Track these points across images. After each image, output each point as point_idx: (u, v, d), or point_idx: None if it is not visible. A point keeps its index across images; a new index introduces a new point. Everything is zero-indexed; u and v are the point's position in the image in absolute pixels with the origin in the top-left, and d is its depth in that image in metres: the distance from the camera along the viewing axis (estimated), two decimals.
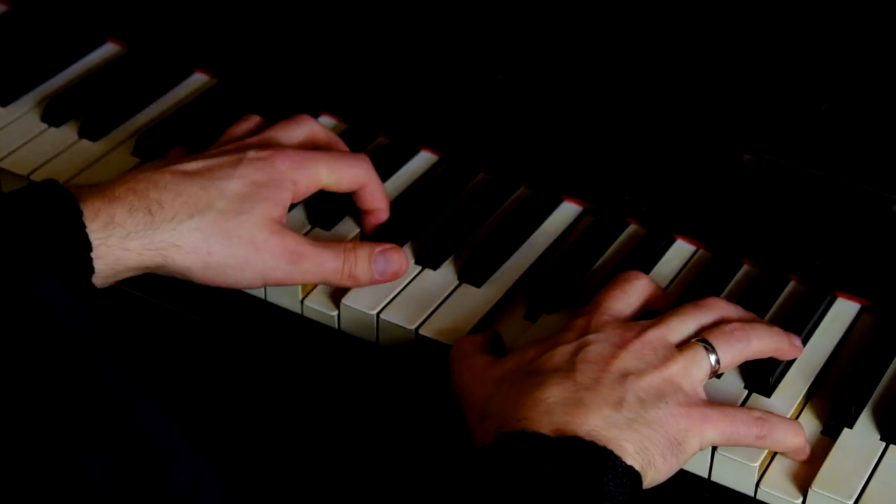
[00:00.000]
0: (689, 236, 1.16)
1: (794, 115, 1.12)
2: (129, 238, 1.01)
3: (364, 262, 1.08)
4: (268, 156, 1.08)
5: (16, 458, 0.81)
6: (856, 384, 1.02)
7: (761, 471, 0.98)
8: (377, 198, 1.14)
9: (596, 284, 1.10)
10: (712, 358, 0.98)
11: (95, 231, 0.99)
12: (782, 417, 0.98)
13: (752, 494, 0.98)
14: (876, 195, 1.09)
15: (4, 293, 0.90)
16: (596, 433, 0.90)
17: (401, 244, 1.13)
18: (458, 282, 1.12)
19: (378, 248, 1.09)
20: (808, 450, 0.99)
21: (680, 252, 1.15)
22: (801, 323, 1.07)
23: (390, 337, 1.09)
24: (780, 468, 0.98)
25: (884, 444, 0.99)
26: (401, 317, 1.08)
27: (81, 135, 1.26)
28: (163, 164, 1.06)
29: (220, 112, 1.28)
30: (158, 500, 0.81)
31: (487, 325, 1.09)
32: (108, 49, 1.37)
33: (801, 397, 1.03)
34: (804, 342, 1.06)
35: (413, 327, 1.08)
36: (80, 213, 0.99)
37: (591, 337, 0.98)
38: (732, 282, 1.12)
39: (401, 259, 1.10)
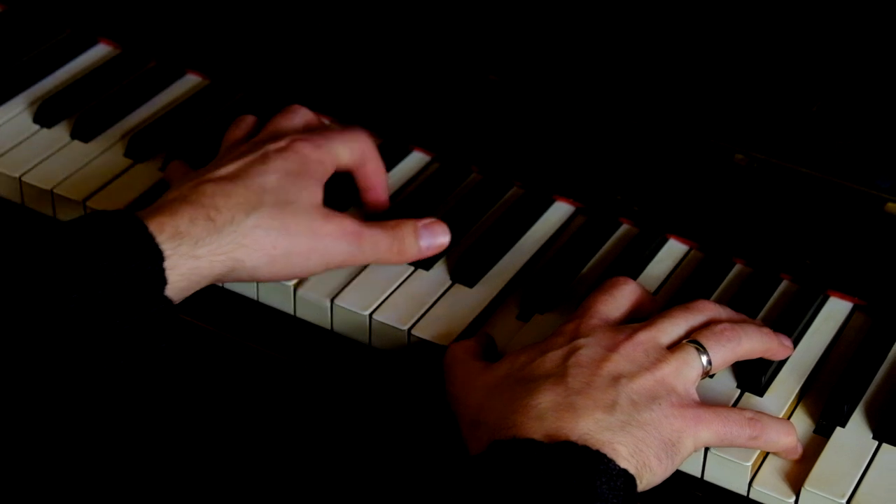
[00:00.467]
0: (682, 236, 1.16)
1: (786, 114, 1.12)
2: (198, 245, 1.01)
3: (411, 238, 1.10)
4: (287, 145, 1.10)
5: None
6: (848, 383, 1.02)
7: (754, 470, 0.98)
8: (378, 172, 1.16)
9: (588, 284, 1.11)
10: (704, 359, 0.98)
11: (164, 242, 1.00)
12: (774, 417, 0.98)
13: (745, 494, 0.98)
14: (868, 194, 1.09)
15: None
16: (589, 437, 0.90)
17: None
18: (450, 282, 1.12)
19: (421, 223, 1.11)
20: (800, 449, 0.99)
21: (672, 251, 1.15)
22: (793, 322, 1.07)
23: (383, 337, 1.09)
24: (772, 467, 0.98)
25: (876, 442, 0.99)
26: (393, 317, 1.08)
27: (74, 136, 1.26)
28: (193, 176, 1.08)
29: (213, 113, 1.28)
30: None
31: (480, 325, 1.09)
32: (100, 50, 1.37)
33: (793, 396, 1.03)
34: (796, 341, 1.06)
35: (406, 328, 1.08)
36: (145, 227, 1.00)
37: (582, 341, 0.97)
38: (725, 281, 1.12)
39: (444, 230, 1.12)
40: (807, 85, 1.13)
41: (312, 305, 1.10)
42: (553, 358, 0.96)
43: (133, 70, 1.34)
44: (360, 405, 1.09)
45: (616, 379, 0.94)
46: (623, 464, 0.90)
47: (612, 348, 0.96)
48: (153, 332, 0.98)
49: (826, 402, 1.01)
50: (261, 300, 1.13)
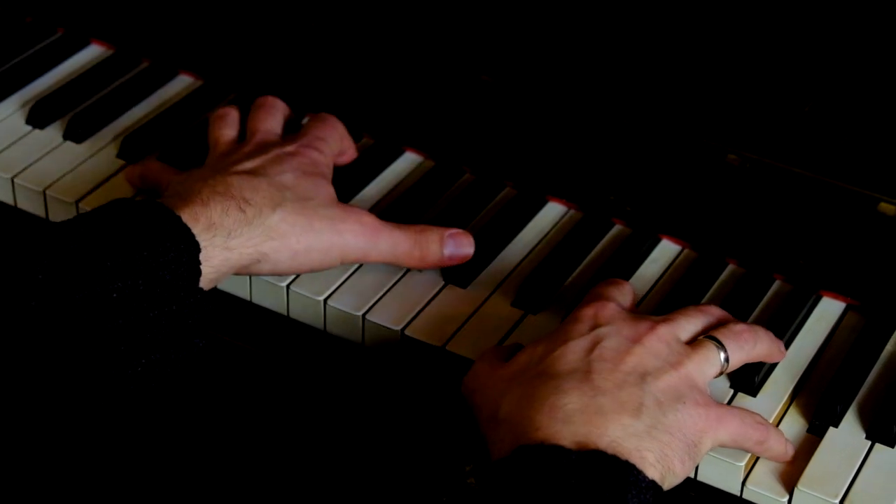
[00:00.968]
0: (675, 236, 1.16)
1: (778, 114, 1.12)
2: (231, 237, 1.02)
3: (435, 246, 1.10)
4: (296, 150, 1.12)
5: None
6: (841, 383, 1.02)
7: (747, 470, 0.98)
8: (346, 134, 1.20)
9: (581, 285, 1.11)
10: (722, 356, 0.98)
11: (200, 233, 1.00)
12: (772, 424, 0.98)
13: (738, 493, 0.98)
14: (860, 194, 1.09)
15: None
16: (616, 444, 0.89)
17: None
18: (443, 282, 1.12)
19: (447, 232, 1.11)
20: (791, 451, 0.99)
21: (665, 252, 1.15)
22: (786, 322, 1.07)
23: (376, 338, 1.09)
24: (765, 467, 0.98)
25: (869, 442, 0.99)
26: (386, 318, 1.08)
27: (66, 136, 1.26)
28: (210, 165, 1.11)
29: (206, 113, 1.27)
30: None
31: (473, 325, 1.08)
32: (92, 50, 1.37)
33: (786, 396, 1.03)
34: (789, 341, 1.07)
35: (399, 328, 1.08)
36: (179, 218, 1.00)
37: (604, 330, 0.96)
38: (718, 281, 1.12)
39: (470, 241, 1.11)
40: (799, 85, 1.13)
41: (306, 306, 1.10)
42: (575, 350, 0.95)
43: (125, 71, 1.34)
44: (353, 406, 1.09)
45: (642, 377, 0.93)
46: (650, 471, 0.89)
47: (636, 339, 0.96)
48: (188, 325, 0.98)
49: (819, 402, 1.02)
50: (254, 301, 1.12)
